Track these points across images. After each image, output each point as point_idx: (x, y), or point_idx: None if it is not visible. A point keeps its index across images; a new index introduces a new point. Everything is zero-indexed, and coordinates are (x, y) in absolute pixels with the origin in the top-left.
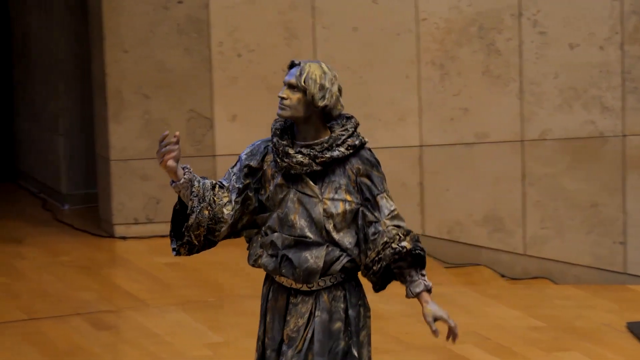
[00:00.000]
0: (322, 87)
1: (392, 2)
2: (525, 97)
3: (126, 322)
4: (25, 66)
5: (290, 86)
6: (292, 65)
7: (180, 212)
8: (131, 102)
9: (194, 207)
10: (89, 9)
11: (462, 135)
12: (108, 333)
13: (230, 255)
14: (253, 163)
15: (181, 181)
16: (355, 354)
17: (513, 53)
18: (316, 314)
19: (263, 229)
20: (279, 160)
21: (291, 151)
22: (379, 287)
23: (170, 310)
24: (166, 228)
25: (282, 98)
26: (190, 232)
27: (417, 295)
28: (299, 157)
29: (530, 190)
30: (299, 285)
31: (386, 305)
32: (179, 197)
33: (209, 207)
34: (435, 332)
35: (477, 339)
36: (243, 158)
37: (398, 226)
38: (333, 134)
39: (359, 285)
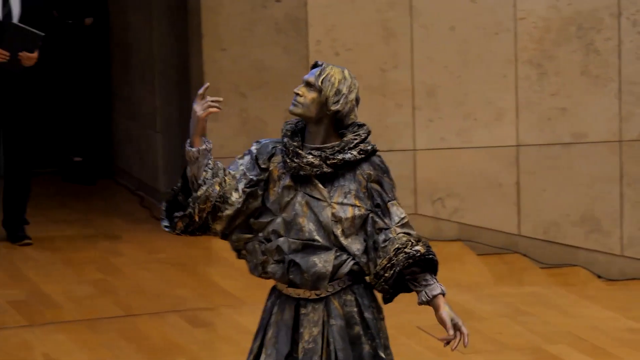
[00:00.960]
0: (338, 92)
1: (490, 1)
2: (624, 97)
3: (222, 320)
4: (123, 64)
5: (308, 84)
6: (315, 65)
7: (182, 190)
8: (228, 100)
9: (207, 179)
10: (187, 8)
11: (560, 135)
12: (204, 330)
13: None
14: (260, 161)
15: (203, 147)
16: (383, 355)
17: (612, 53)
18: (330, 322)
19: (262, 234)
20: (288, 161)
21: (302, 152)
22: (389, 297)
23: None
24: None
25: (297, 94)
26: (196, 204)
27: (434, 298)
28: (310, 157)
29: (628, 191)
30: (307, 294)
31: (481, 304)
32: (184, 174)
33: (220, 184)
34: (450, 336)
35: (573, 339)
36: (254, 152)
37: (408, 234)
38: (345, 138)
39: (368, 288)
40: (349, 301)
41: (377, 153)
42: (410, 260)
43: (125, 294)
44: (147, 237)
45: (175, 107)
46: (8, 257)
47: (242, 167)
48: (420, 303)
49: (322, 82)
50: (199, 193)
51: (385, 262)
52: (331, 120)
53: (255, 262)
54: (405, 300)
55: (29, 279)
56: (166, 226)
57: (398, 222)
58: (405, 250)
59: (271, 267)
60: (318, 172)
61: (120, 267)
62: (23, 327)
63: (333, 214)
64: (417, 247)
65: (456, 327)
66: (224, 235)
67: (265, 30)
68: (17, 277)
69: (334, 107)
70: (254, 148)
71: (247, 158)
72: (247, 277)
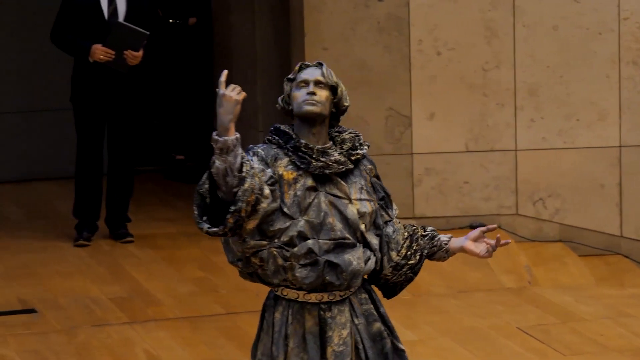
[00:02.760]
0: (343, 89)
1: (594, 0)
2: None
3: None
4: (225, 64)
5: (318, 83)
6: (302, 67)
7: (210, 192)
8: None
9: (248, 170)
10: (290, 7)
11: None
12: None
13: None
14: (269, 163)
15: (238, 135)
16: (402, 347)
17: None
18: (355, 321)
19: (280, 240)
20: (313, 161)
21: (328, 150)
22: (400, 289)
23: None
24: None
25: (312, 93)
26: (245, 198)
27: (451, 237)
28: (337, 155)
29: None
30: (330, 297)
31: (582, 306)
32: (210, 175)
33: (257, 175)
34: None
35: None
36: (261, 153)
37: (400, 222)
38: (345, 135)
39: (369, 283)
40: (364, 299)
41: None
42: (433, 241)
43: (226, 291)
44: None
45: (276, 107)
46: (110, 255)
47: (257, 165)
48: (445, 243)
49: (335, 79)
50: (246, 185)
51: (404, 250)
52: (329, 119)
53: (274, 268)
54: (503, 302)
55: (130, 276)
56: (210, 228)
57: (395, 214)
58: (422, 234)
59: (299, 272)
60: (343, 169)
61: (221, 265)
62: (125, 324)
63: (358, 211)
64: (430, 228)
65: (484, 231)
66: (243, 239)
67: (367, 30)
68: (119, 274)
69: (347, 103)
70: (258, 150)
71: (255, 158)
72: None
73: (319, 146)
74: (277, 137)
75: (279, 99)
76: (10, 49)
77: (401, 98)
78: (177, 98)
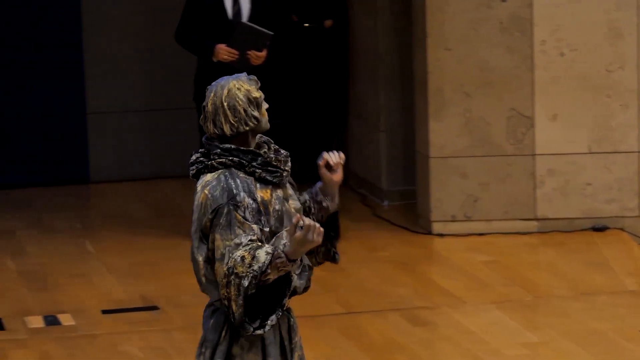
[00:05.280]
0: None
1: None
2: None
3: (442, 319)
4: (358, 64)
5: None
6: (256, 84)
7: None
8: (452, 100)
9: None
10: (412, 8)
11: None
12: (424, 329)
13: (545, 255)
14: (256, 195)
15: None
16: None
17: None
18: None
19: None
20: (284, 172)
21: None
22: (334, 253)
23: (487, 309)
24: (485, 226)
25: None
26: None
27: (317, 189)
28: (289, 161)
29: None
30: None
31: None
32: (253, 284)
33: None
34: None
35: None
36: (246, 198)
37: None
38: (258, 140)
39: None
40: None
41: None
42: (319, 206)
43: (346, 291)
44: (369, 235)
45: (399, 107)
46: None
47: (256, 227)
48: (321, 198)
49: None
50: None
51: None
52: None
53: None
54: (627, 304)
55: None
56: (257, 329)
57: None
58: (308, 199)
59: (298, 282)
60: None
61: (341, 265)
62: None
63: (299, 208)
64: (302, 198)
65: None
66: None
67: (489, 30)
68: None
69: None
70: (241, 197)
71: (247, 211)
72: (467, 277)
73: (278, 156)
74: (236, 158)
75: (241, 121)
76: (136, 49)
77: (523, 99)
78: (312, 101)
